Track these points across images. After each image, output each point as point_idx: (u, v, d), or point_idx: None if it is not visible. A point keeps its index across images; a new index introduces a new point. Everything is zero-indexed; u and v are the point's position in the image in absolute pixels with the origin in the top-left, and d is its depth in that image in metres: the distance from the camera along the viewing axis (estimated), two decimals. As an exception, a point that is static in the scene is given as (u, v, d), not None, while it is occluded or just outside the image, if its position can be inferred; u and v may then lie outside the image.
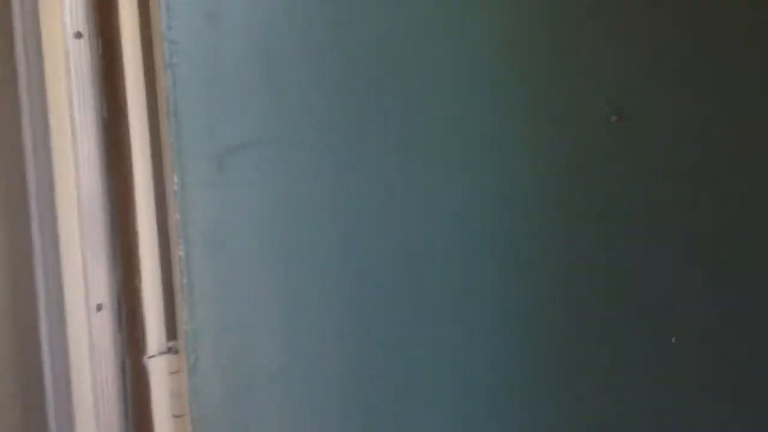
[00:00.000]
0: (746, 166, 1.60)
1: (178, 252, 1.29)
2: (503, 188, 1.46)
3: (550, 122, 1.47)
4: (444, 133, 1.43)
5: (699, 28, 1.54)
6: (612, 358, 1.55)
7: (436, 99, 1.42)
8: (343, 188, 1.41)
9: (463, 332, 1.46)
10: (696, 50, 1.55)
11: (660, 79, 1.52)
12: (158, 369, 1.35)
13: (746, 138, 1.59)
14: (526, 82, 1.46)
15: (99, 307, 1.34)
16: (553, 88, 1.47)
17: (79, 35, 1.33)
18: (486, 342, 1.47)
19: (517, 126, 1.46)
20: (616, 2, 1.49)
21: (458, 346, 1.46)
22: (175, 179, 1.29)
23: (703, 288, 1.60)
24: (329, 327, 1.40)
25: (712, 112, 1.56)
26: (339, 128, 1.40)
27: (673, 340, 1.62)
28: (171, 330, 1.35)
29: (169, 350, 1.35)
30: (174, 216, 1.29)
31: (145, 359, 1.34)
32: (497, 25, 1.44)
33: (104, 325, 1.34)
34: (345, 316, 1.40)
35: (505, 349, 1.48)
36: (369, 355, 1.42)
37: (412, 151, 1.44)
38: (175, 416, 1.33)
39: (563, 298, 1.51)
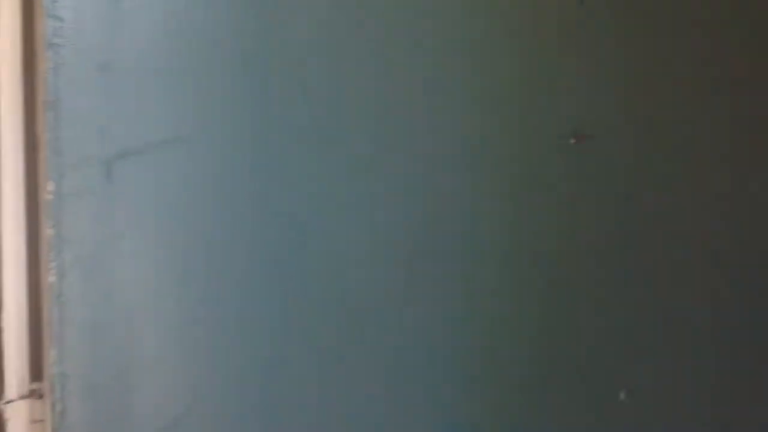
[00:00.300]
0: (704, 188, 1.59)
1: (49, 277, 1.14)
2: (459, 209, 1.40)
3: (509, 142, 1.45)
4: (390, 150, 1.34)
5: (661, 50, 1.54)
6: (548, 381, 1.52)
7: (385, 112, 1.33)
8: (257, 205, 1.26)
9: (379, 371, 1.37)
10: (657, 72, 1.55)
11: (619, 101, 1.52)
12: (17, 416, 1.22)
13: (705, 160, 1.59)
14: (484, 100, 1.42)
15: (-54, 340, 1.21)
16: (512, 108, 1.45)
17: (-58, 4, 1.20)
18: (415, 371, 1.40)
19: (474, 145, 1.41)
20: (577, 23, 1.47)
21: (373, 390, 1.37)
22: (51, 187, 1.14)
23: (663, 310, 1.58)
24: (232, 369, 1.25)
25: (672, 133, 1.56)
26: (259, 130, 1.26)
27: (621, 396, 1.56)
28: (35, 371, 1.22)
29: (32, 395, 1.22)
30: (46, 232, 1.15)
31: (2, 404, 1.22)
32: (459, 43, 1.39)
33: (-48, 362, 1.22)
34: (252, 354, 1.26)
35: (447, 379, 1.42)
36: (280, 405, 1.29)
37: (343, 162, 1.32)
38: (35, 474, 1.22)
39: (528, 323, 1.48)
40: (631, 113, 1.52)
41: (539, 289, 1.47)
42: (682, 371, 1.59)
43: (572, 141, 1.48)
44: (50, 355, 1.15)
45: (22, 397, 1.21)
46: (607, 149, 1.50)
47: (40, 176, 1.17)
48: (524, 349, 1.47)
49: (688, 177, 1.57)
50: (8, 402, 1.20)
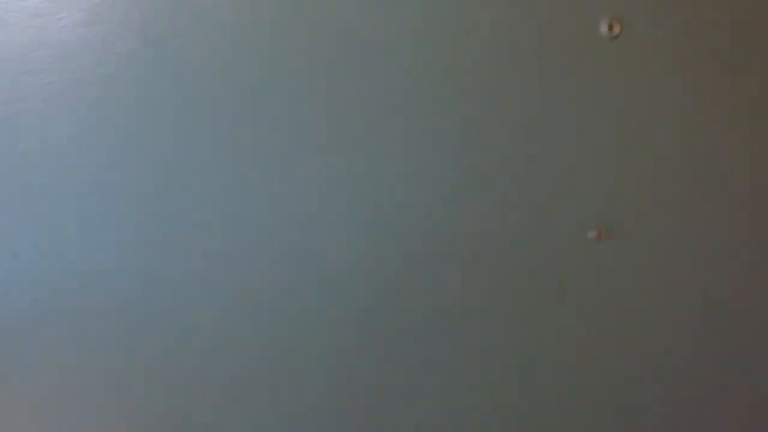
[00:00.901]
0: (730, 279, 1.47)
1: None
2: (471, 312, 1.38)
3: (527, 236, 1.39)
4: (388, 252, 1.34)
5: (682, 139, 1.41)
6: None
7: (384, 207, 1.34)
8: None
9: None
10: (679, 163, 1.42)
11: (641, 194, 1.41)
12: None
13: (728, 249, 1.46)
14: (500, 194, 1.37)
15: None
16: (530, 201, 1.38)
17: None
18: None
19: (490, 241, 1.37)
20: (596, 112, 1.38)
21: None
22: None
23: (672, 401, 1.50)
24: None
25: (693, 228, 1.44)
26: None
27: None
28: None
29: None
30: None
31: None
32: (476, 131, 1.35)
33: None
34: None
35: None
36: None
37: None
38: None
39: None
40: (655, 206, 1.40)
41: (557, 395, 1.41)
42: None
43: (592, 235, 1.37)
44: None
45: None
46: (628, 243, 1.40)
47: None
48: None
49: (714, 269, 1.42)
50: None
